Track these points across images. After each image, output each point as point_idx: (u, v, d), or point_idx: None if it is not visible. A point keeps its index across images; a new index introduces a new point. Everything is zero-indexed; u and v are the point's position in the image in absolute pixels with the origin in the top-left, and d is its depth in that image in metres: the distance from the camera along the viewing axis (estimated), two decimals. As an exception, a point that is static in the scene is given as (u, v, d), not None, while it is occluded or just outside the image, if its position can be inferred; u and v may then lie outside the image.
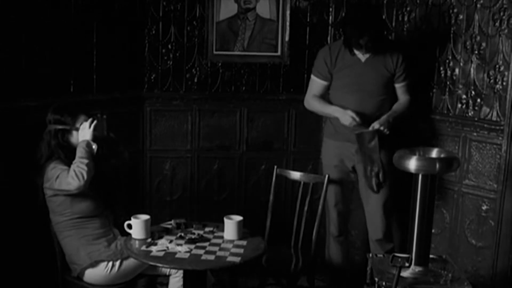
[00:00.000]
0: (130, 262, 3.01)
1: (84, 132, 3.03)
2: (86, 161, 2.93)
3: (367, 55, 3.42)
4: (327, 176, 3.52)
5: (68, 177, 2.90)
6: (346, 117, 3.38)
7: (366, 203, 3.60)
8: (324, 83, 3.54)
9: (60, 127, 3.05)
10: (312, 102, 3.59)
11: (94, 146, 3.01)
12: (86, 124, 3.03)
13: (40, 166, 3.04)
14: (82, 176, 2.89)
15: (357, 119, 3.35)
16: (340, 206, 3.65)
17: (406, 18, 3.73)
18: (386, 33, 3.76)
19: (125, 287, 3.07)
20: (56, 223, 3.07)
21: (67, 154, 3.02)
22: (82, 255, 3.01)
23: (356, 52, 3.41)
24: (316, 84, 3.56)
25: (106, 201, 3.13)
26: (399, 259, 2.64)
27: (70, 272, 3.08)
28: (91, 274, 3.02)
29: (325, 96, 3.58)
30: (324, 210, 3.58)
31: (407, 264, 2.64)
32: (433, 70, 3.62)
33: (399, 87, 3.50)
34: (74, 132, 3.06)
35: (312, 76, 3.59)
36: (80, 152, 2.97)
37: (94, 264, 3.01)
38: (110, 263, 3.00)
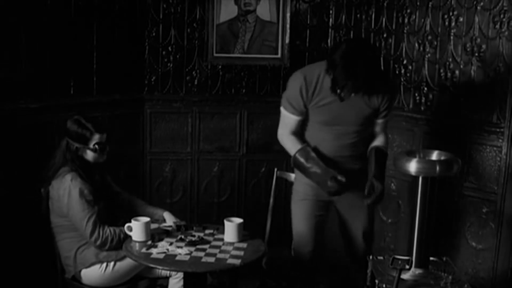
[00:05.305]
0: (124, 263, 3.00)
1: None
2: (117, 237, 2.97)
3: None
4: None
5: (94, 228, 2.93)
6: (327, 182, 2.93)
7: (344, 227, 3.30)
8: (299, 118, 3.05)
9: (76, 145, 3.01)
10: (287, 143, 3.11)
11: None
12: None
13: (50, 175, 3.02)
14: (107, 241, 2.96)
15: (343, 180, 2.93)
16: (315, 248, 3.25)
17: (406, 20, 3.73)
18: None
19: (126, 289, 3.08)
20: (56, 226, 3.06)
21: (84, 167, 3.01)
22: (78, 258, 3.02)
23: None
24: (289, 119, 3.06)
25: (108, 210, 3.11)
26: (399, 261, 2.64)
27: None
28: (87, 275, 3.02)
29: (300, 132, 3.12)
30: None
31: (407, 267, 2.64)
32: (433, 72, 3.62)
33: (379, 123, 3.12)
34: (88, 151, 3.03)
35: (283, 111, 3.07)
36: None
37: (88, 265, 3.01)
38: (104, 264, 3.00)
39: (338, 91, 2.84)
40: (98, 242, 2.94)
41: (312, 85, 2.95)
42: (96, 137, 3.02)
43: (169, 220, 3.15)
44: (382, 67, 3.15)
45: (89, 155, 3.03)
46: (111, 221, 3.04)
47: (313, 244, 3.22)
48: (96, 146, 3.01)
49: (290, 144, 3.09)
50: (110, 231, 2.96)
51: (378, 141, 3.12)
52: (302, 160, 3.02)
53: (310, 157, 3.01)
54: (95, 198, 2.98)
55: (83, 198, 2.94)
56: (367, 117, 3.04)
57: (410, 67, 3.72)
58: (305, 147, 3.04)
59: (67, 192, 2.94)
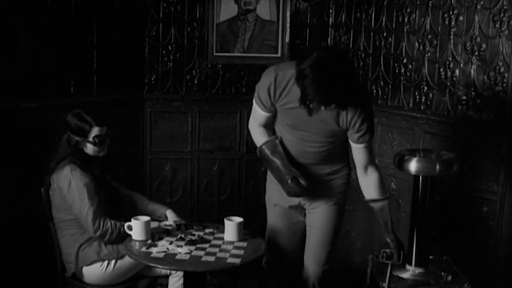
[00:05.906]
0: (124, 261, 3.01)
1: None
2: (118, 232, 2.97)
3: None
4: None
5: (95, 218, 2.92)
6: (288, 181, 2.86)
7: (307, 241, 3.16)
8: (268, 115, 2.95)
9: (76, 138, 3.01)
10: (255, 134, 3.04)
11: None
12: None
13: (53, 167, 3.03)
14: (107, 233, 2.95)
15: (304, 184, 2.86)
16: (290, 247, 3.20)
17: (406, 19, 3.73)
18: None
19: (126, 287, 3.08)
20: (59, 221, 3.06)
21: (83, 160, 3.02)
22: (80, 255, 3.02)
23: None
24: (259, 114, 2.97)
25: (109, 203, 3.12)
26: (385, 253, 2.66)
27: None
28: (88, 273, 3.02)
29: (270, 126, 3.03)
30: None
31: (396, 260, 2.65)
32: (433, 72, 3.62)
33: (358, 148, 2.87)
34: (88, 144, 3.03)
35: (254, 103, 2.96)
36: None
37: (90, 263, 3.01)
38: (106, 262, 3.01)
39: (308, 103, 2.65)
40: (98, 233, 2.94)
41: (280, 87, 2.81)
42: (95, 130, 3.02)
43: (171, 218, 3.15)
44: (357, 84, 2.93)
45: (89, 148, 3.03)
46: (112, 216, 3.05)
47: (289, 242, 3.18)
48: (96, 139, 3.01)
49: (258, 136, 3.02)
50: (111, 223, 2.96)
51: (375, 188, 2.90)
52: (267, 152, 2.95)
53: (277, 151, 2.93)
54: (96, 189, 2.99)
55: (84, 188, 2.94)
56: (334, 133, 2.88)
57: (410, 66, 3.73)
58: (273, 139, 2.96)
59: (67, 183, 2.95)
